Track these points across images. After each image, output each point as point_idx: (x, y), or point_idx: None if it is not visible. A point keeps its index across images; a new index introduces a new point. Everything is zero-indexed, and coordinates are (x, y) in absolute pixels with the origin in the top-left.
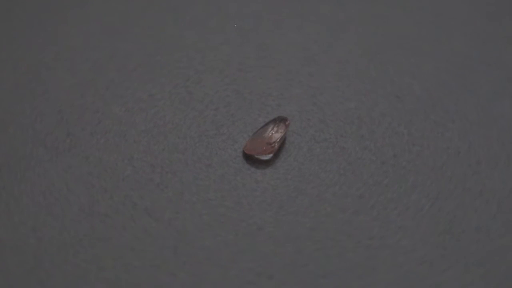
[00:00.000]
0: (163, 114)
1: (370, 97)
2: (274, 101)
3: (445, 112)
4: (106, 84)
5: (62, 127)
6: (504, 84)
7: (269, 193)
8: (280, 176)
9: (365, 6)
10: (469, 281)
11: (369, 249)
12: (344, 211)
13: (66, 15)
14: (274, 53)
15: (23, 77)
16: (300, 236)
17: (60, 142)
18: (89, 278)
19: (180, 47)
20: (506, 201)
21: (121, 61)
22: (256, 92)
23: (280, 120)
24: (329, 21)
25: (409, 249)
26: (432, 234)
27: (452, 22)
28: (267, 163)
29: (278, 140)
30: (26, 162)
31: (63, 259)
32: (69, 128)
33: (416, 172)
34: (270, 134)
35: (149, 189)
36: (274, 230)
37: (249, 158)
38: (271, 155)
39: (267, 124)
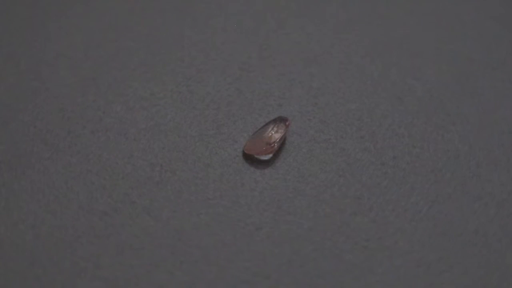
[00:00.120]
0: (164, 112)
1: (372, 98)
2: (275, 101)
3: (446, 114)
4: (108, 83)
5: (63, 125)
6: (507, 87)
7: (268, 193)
8: (279, 176)
9: (368, 7)
10: (465, 284)
11: (366, 250)
12: (342, 212)
13: (69, 13)
14: (277, 53)
15: (25, 74)
16: (298, 236)
17: (60, 140)
18: (86, 276)
19: (182, 46)
20: (505, 205)
21: (123, 60)
22: (257, 92)
23: (281, 120)
24: (332, 22)
25: (406, 251)
26: (429, 237)
27: (456, 24)
28: (266, 163)
29: (277, 140)
30: (26, 159)
31: (61, 257)
32: (70, 125)
33: (415, 174)
34: (270, 134)
35: (148, 187)
36: (271, 230)
37: (248, 158)
38: (270, 155)
39: (267, 124)
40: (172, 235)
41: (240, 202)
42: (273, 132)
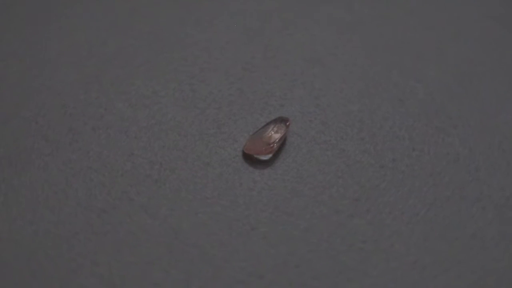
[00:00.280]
0: (166, 111)
1: (373, 100)
2: (277, 101)
3: (447, 117)
4: (111, 80)
5: (64, 122)
6: (509, 91)
7: (266, 193)
8: (278, 176)
9: (372, 9)
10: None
11: (362, 252)
12: (339, 214)
13: (73, 11)
14: (280, 54)
15: (29, 71)
16: (294, 237)
17: (61, 136)
18: (82, 273)
19: (186, 45)
20: (503, 209)
21: (127, 58)
22: (259, 92)
23: (281, 120)
24: (336, 23)
25: (402, 254)
26: (426, 240)
27: (459, 27)
28: (266, 163)
29: (277, 140)
30: (27, 155)
31: (58, 253)
32: (71, 122)
33: (414, 176)
34: (270, 134)
35: (147, 185)
36: (268, 231)
37: (248, 157)
38: (270, 155)
39: (268, 124)
40: (169, 234)
41: (238, 201)
42: (273, 132)
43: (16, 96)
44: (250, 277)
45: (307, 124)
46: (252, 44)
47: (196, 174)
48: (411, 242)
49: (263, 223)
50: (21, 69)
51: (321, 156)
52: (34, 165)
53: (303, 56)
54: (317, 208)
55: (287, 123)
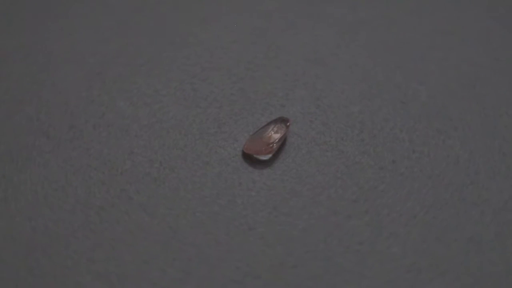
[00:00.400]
0: (167, 109)
1: (375, 102)
2: (278, 101)
3: (448, 120)
4: (114, 78)
5: (66, 119)
6: (511, 95)
7: (264, 193)
8: (277, 177)
9: (376, 10)
10: None
11: (358, 254)
12: (337, 215)
13: (78, 8)
14: (283, 54)
15: (32, 68)
16: (291, 237)
17: (62, 133)
18: (78, 270)
19: (190, 44)
20: (501, 213)
21: (130, 56)
22: (261, 91)
23: (282, 121)
24: (339, 24)
25: (398, 256)
26: (423, 242)
27: (464, 30)
28: (265, 163)
29: (276, 140)
30: (27, 152)
31: (55, 250)
32: (73, 120)
33: (413, 179)
34: (270, 134)
35: (146, 184)
36: (265, 231)
37: (248, 157)
38: (270, 155)
39: (268, 124)
40: (166, 232)
41: (236, 201)
42: (272, 133)
43: (18, 92)
44: (246, 277)
45: (307, 124)
46: (255, 44)
47: (195, 173)
48: (408, 244)
49: (261, 223)
50: (24, 66)
51: (320, 157)
52: (35, 162)
53: (306, 57)
54: (315, 208)
55: (288, 124)
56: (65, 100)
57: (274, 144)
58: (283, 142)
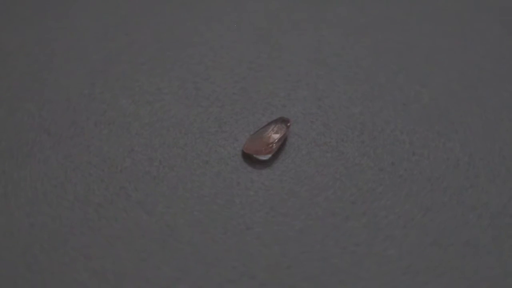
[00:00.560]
0: (168, 108)
1: (376, 103)
2: (280, 101)
3: (450, 123)
4: (116, 76)
5: (67, 115)
6: None
7: (262, 193)
8: (276, 177)
9: (383, 11)
10: None
11: (354, 255)
12: (335, 216)
13: (83, 6)
14: (286, 54)
15: (35, 65)
16: (288, 238)
17: (64, 130)
18: (75, 266)
19: (193, 42)
20: (499, 217)
21: (133, 54)
22: (263, 91)
23: (282, 121)
24: (345, 25)
25: (394, 258)
26: (420, 245)
27: (468, 34)
28: (264, 163)
29: (276, 141)
30: (28, 148)
31: (53, 246)
32: (74, 117)
33: (412, 181)
34: (270, 134)
35: (145, 182)
36: (262, 231)
37: (247, 157)
38: (269, 155)
39: (268, 124)
40: (163, 231)
41: (235, 201)
42: (272, 133)
43: (21, 89)
44: (242, 277)
45: (308, 125)
46: (259, 43)
47: (195, 172)
48: (404, 247)
49: (258, 223)
50: (27, 63)
51: (320, 157)
52: (35, 158)
53: (309, 57)
54: (313, 209)
55: (288, 124)
56: (67, 97)
57: (274, 144)
58: (283, 142)
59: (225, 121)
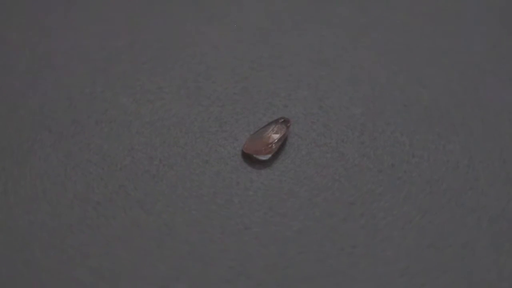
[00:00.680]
0: (169, 107)
1: (377, 104)
2: (281, 101)
3: (450, 125)
4: (118, 74)
5: (69, 114)
6: None
7: (261, 193)
8: (275, 177)
9: (385, 12)
10: None
11: (351, 256)
12: (333, 217)
13: (84, 4)
14: (288, 54)
15: (37, 62)
16: (285, 238)
17: (65, 128)
18: (72, 264)
19: (196, 42)
20: (497, 220)
21: (135, 52)
22: (264, 91)
23: (282, 121)
24: (347, 25)
25: (391, 260)
26: (417, 247)
27: (470, 35)
28: (264, 163)
29: (276, 141)
30: (29, 145)
31: (51, 244)
32: (75, 115)
33: (411, 183)
34: (270, 134)
35: (144, 180)
36: (260, 231)
37: (247, 157)
38: (269, 155)
39: (269, 124)
40: (162, 229)
41: (233, 200)
42: (272, 133)
43: (22, 87)
44: (239, 277)
45: (308, 125)
46: (261, 43)
47: (194, 171)
48: (402, 249)
49: (256, 223)
50: (29, 60)
51: (320, 158)
52: (35, 156)
53: (311, 57)
54: (311, 210)
55: (288, 124)
56: (69, 95)
57: (274, 145)
58: (283, 142)
59: (225, 121)
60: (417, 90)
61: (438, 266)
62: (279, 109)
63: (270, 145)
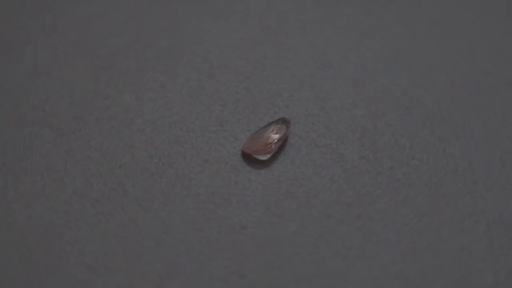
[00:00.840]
0: (171, 105)
1: (379, 106)
2: (282, 102)
3: (451, 128)
4: (122, 72)
5: (71, 110)
6: None
7: (259, 193)
8: (273, 177)
9: (391, 15)
10: None
11: (346, 258)
12: (330, 218)
13: (89, 1)
14: (292, 54)
15: (41, 59)
16: (281, 239)
17: (66, 124)
18: (69, 260)
19: (200, 40)
20: (495, 225)
21: (139, 50)
22: (266, 91)
23: (283, 121)
24: (354, 27)
25: (386, 263)
26: (413, 250)
27: (475, 39)
28: (263, 163)
29: (275, 141)
30: (30, 141)
31: (48, 239)
32: (77, 111)
33: (410, 185)
34: (269, 134)
35: (143, 178)
36: (256, 231)
37: (247, 157)
38: (269, 155)
39: (269, 124)
40: (158, 227)
41: (231, 200)
42: (272, 133)
43: (26, 82)
44: (232, 276)
45: (309, 126)
46: (266, 43)
47: (193, 170)
48: (397, 252)
49: (252, 223)
50: (33, 57)
51: (319, 159)
52: (36, 151)
53: (315, 58)
54: (308, 211)
55: (288, 125)
56: (72, 92)
57: (273, 145)
58: (283, 142)
59: (226, 120)
60: (419, 93)
61: (434, 269)
62: (280, 109)
63: (269, 145)
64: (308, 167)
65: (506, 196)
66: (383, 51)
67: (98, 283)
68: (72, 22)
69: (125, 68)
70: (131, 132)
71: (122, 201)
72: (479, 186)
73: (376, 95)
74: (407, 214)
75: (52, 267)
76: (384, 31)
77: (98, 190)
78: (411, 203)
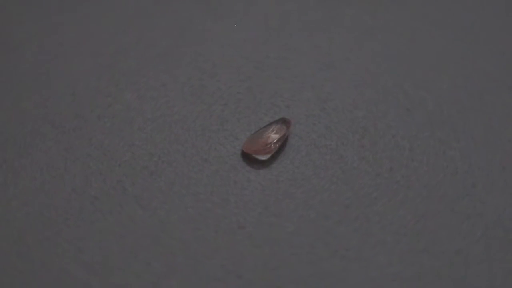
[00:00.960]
0: (172, 104)
1: (380, 108)
2: (283, 102)
3: (452, 130)
4: (123, 70)
5: (72, 108)
6: None
7: (258, 193)
8: (272, 177)
9: (394, 16)
10: None
11: (343, 259)
12: (327, 219)
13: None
14: (295, 55)
15: (43, 57)
16: (279, 239)
17: (67, 122)
18: (66, 258)
19: (203, 39)
20: (493, 228)
21: (142, 49)
22: (268, 91)
23: (283, 122)
24: (356, 28)
25: (383, 264)
26: (410, 252)
27: (478, 41)
28: (263, 163)
29: (275, 141)
30: (31, 138)
31: (46, 236)
32: (79, 109)
33: (408, 187)
34: (269, 134)
35: (143, 177)
36: (253, 231)
37: (246, 156)
38: (268, 155)
39: (269, 124)
40: (156, 226)
41: (229, 199)
42: (272, 133)
43: (28, 79)
44: (229, 275)
45: (310, 127)
46: (268, 43)
47: (193, 169)
48: (394, 253)
49: (250, 223)
50: (36, 54)
51: (318, 160)
52: (37, 149)
53: (317, 59)
54: (306, 211)
55: (289, 125)
56: (73, 90)
57: (273, 145)
58: (283, 143)
59: (227, 120)
60: (421, 95)
61: (431, 271)
62: (281, 110)
63: (269, 145)
64: (307, 167)
65: (505, 200)
66: (384, 52)
67: (94, 281)
68: (74, 20)
69: (126, 67)
70: (132, 130)
71: (120, 199)
72: (478, 189)
73: (377, 97)
74: (405, 216)
75: (49, 264)
76: (386, 32)
77: (97, 188)
78: (409, 205)
